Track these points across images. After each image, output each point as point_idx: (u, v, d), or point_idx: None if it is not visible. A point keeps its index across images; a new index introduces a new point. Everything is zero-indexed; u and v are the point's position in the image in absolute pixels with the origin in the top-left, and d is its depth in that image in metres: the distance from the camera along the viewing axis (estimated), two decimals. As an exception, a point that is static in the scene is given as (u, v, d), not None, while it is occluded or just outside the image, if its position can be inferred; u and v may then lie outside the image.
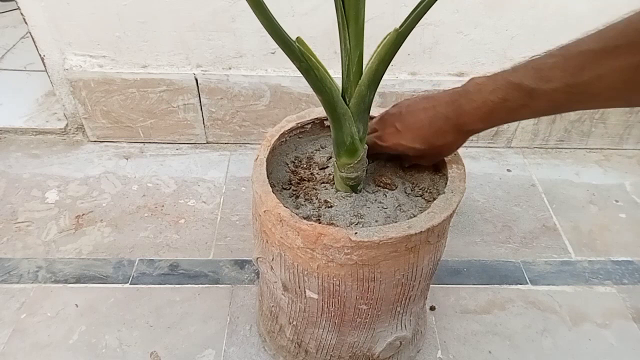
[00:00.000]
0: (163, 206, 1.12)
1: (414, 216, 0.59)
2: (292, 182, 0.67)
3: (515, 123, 1.27)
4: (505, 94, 0.48)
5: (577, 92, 0.43)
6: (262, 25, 0.46)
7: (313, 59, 0.51)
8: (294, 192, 0.65)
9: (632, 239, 1.08)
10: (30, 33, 1.11)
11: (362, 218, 0.61)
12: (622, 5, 1.12)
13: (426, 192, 0.65)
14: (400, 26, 0.49)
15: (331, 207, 0.63)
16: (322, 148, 0.73)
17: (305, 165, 0.70)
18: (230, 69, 1.18)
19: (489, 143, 1.32)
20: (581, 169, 1.27)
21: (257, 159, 0.64)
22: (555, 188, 1.21)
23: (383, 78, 0.54)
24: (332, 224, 0.59)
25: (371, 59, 0.52)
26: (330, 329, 0.68)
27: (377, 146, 0.62)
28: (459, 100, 0.55)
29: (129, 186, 1.17)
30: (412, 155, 0.61)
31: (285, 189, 0.66)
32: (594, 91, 0.42)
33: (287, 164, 0.70)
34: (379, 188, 0.66)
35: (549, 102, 0.45)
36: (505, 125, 1.28)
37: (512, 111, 0.49)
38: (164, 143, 1.30)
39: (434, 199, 0.60)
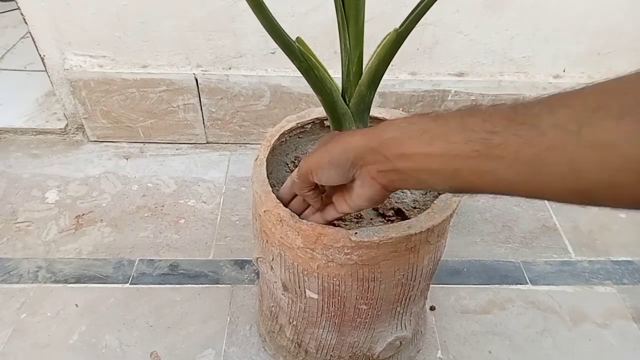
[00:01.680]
0: (163, 206, 1.12)
1: (415, 216, 0.59)
2: None
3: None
4: (445, 112, 0.39)
5: (520, 121, 0.33)
6: (262, 25, 0.46)
7: (313, 59, 0.51)
8: None
9: (632, 239, 1.08)
10: (30, 33, 1.11)
11: (361, 218, 0.61)
12: (622, 5, 1.13)
13: (425, 192, 0.65)
14: (400, 26, 0.49)
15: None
16: (322, 148, 0.73)
17: None
18: (230, 69, 1.18)
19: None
20: (581, 169, 1.27)
21: (257, 159, 0.64)
22: (555, 188, 1.20)
23: (383, 78, 0.54)
24: (333, 224, 0.59)
25: (371, 59, 0.52)
26: (330, 329, 0.68)
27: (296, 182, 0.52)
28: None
29: (129, 186, 1.17)
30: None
31: None
32: (539, 124, 0.33)
33: (287, 164, 0.70)
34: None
35: (483, 123, 0.34)
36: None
37: (441, 121, 0.37)
38: (164, 143, 1.30)
39: (435, 198, 0.60)
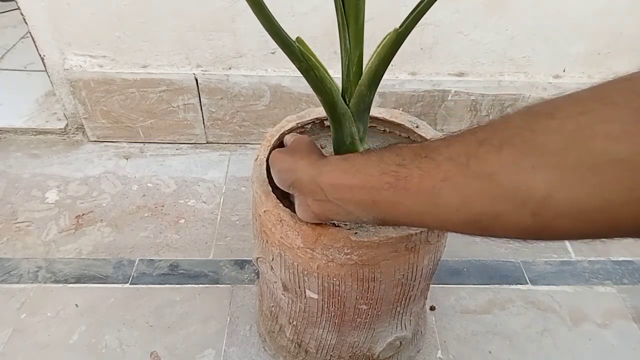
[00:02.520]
0: (163, 206, 1.12)
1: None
2: None
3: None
4: (365, 152, 0.43)
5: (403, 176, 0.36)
6: (262, 25, 0.46)
7: (313, 59, 0.50)
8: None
9: (632, 239, 1.08)
10: (30, 33, 1.11)
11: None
12: (622, 5, 1.13)
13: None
14: (400, 26, 0.49)
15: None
16: (322, 148, 0.73)
17: None
18: (230, 69, 1.18)
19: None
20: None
21: (257, 159, 0.64)
22: (555, 188, 1.21)
23: (383, 78, 0.54)
24: (333, 224, 0.59)
25: (371, 59, 0.52)
26: (330, 329, 0.68)
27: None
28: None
29: (129, 186, 1.17)
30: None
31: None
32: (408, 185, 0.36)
33: None
34: None
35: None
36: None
37: (351, 166, 0.41)
38: (164, 143, 1.30)
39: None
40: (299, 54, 0.49)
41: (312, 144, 0.53)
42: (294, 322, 0.71)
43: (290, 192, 0.50)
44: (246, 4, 0.44)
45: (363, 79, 0.54)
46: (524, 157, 0.28)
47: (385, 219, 0.39)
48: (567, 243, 1.06)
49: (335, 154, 0.60)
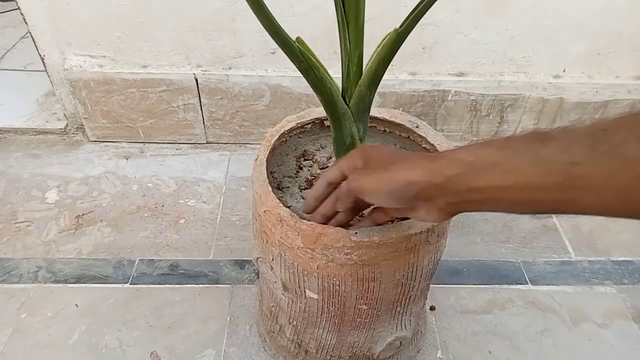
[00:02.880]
0: (163, 206, 1.12)
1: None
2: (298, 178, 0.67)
3: (515, 122, 1.28)
4: (511, 136, 0.38)
5: (603, 150, 0.32)
6: (262, 25, 0.46)
7: (313, 59, 0.51)
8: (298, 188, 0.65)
9: (632, 239, 1.08)
10: (30, 33, 1.11)
11: (362, 218, 0.61)
12: (622, 5, 1.13)
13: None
14: (400, 26, 0.49)
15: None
16: (322, 148, 0.73)
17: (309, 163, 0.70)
18: (230, 69, 1.18)
19: (489, 143, 1.32)
20: (581, 169, 1.27)
21: (257, 159, 0.64)
22: (555, 188, 1.21)
23: (383, 78, 0.54)
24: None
25: (371, 59, 0.52)
26: (330, 329, 0.68)
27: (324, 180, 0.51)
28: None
29: (129, 186, 1.17)
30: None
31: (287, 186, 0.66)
32: (626, 154, 0.31)
33: (298, 160, 0.70)
34: None
35: (562, 154, 0.33)
36: (505, 125, 1.28)
37: (512, 153, 0.36)
38: (164, 143, 1.30)
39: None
40: (299, 54, 0.49)
41: (393, 150, 0.48)
42: (294, 322, 0.71)
43: (409, 206, 0.43)
44: (246, 4, 0.44)
45: (363, 79, 0.54)
46: None
47: (547, 213, 0.36)
48: (567, 242, 1.06)
49: (335, 154, 0.60)
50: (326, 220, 0.54)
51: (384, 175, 0.43)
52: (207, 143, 1.31)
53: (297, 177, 0.68)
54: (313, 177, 0.67)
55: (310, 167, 0.70)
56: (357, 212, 0.55)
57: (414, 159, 0.43)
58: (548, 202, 0.34)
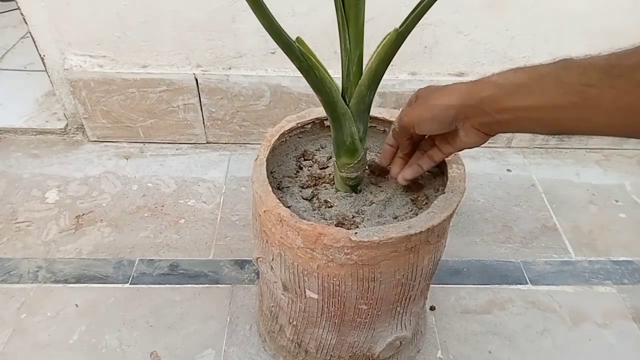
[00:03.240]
0: (163, 206, 1.12)
1: (415, 216, 0.59)
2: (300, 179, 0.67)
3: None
4: (540, 64, 0.41)
5: (616, 73, 0.36)
6: (262, 25, 0.46)
7: (313, 59, 0.50)
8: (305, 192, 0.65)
9: (632, 239, 1.08)
10: (30, 33, 1.11)
11: (362, 218, 0.61)
12: (623, 5, 1.13)
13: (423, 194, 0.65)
14: (400, 26, 0.49)
15: (331, 207, 0.63)
16: (322, 148, 0.73)
17: (309, 163, 0.70)
18: (230, 69, 1.18)
19: (489, 143, 1.31)
20: (581, 169, 1.27)
21: (257, 159, 0.64)
22: (555, 188, 1.21)
23: (383, 78, 0.54)
24: (333, 224, 0.59)
25: (371, 59, 0.52)
26: (330, 329, 0.68)
27: (398, 125, 0.55)
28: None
29: (129, 186, 1.17)
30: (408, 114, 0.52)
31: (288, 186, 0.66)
32: (637, 78, 0.35)
33: (298, 159, 0.70)
34: (381, 186, 0.66)
35: (579, 77, 0.37)
36: (505, 125, 1.28)
37: (537, 76, 0.40)
38: (164, 143, 1.30)
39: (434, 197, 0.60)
40: (299, 54, 0.49)
41: (442, 85, 0.52)
42: (294, 322, 0.71)
43: (454, 127, 0.48)
44: (246, 4, 0.44)
45: (363, 79, 0.54)
46: None
47: (564, 132, 0.41)
48: (567, 242, 1.07)
49: (335, 154, 0.60)
50: (402, 165, 0.59)
51: (427, 104, 0.49)
52: (207, 143, 1.31)
53: (297, 177, 0.68)
54: (313, 177, 0.67)
55: (310, 167, 0.70)
56: (414, 148, 0.58)
57: (454, 86, 0.47)
58: (566, 121, 0.39)
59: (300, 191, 0.66)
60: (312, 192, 0.65)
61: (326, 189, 0.66)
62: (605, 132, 0.38)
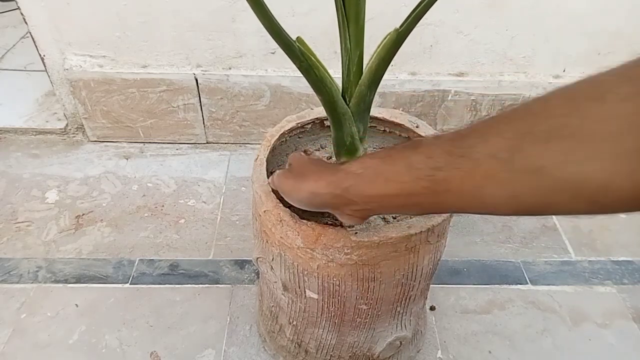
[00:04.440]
0: (163, 206, 1.12)
1: (415, 216, 0.59)
2: None
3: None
4: (396, 145, 0.40)
5: (459, 153, 0.33)
6: (262, 25, 0.46)
7: (313, 58, 0.50)
8: None
9: (632, 239, 1.08)
10: (30, 33, 1.11)
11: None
12: (622, 5, 1.13)
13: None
14: (400, 26, 0.49)
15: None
16: (322, 148, 0.73)
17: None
18: (230, 69, 1.18)
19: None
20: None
21: (257, 159, 0.64)
22: (555, 188, 1.21)
23: (383, 78, 0.54)
24: (333, 224, 0.59)
25: (371, 58, 0.52)
26: (330, 329, 0.68)
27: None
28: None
29: (129, 186, 1.17)
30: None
31: None
32: (474, 156, 0.32)
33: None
34: None
35: (427, 160, 0.35)
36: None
37: (390, 160, 0.39)
38: (164, 143, 1.30)
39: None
40: (299, 54, 0.49)
41: (313, 160, 0.52)
42: (294, 322, 0.71)
43: (320, 211, 0.48)
44: (246, 4, 0.44)
45: (363, 79, 0.54)
46: (576, 148, 0.26)
47: (431, 212, 0.41)
48: (567, 242, 1.07)
49: (335, 154, 0.60)
50: None
51: (296, 184, 0.48)
52: (207, 143, 1.31)
53: None
54: None
55: None
56: None
57: (321, 173, 0.46)
58: (428, 205, 0.37)
59: None
60: None
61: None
62: (467, 212, 0.35)
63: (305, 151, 0.72)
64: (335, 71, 0.54)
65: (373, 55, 0.52)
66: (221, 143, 1.31)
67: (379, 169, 0.40)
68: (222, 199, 1.15)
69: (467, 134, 0.33)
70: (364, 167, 0.41)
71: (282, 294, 0.67)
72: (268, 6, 0.45)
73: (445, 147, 0.34)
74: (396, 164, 0.38)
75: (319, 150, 0.73)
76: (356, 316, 0.64)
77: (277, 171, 0.53)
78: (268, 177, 0.61)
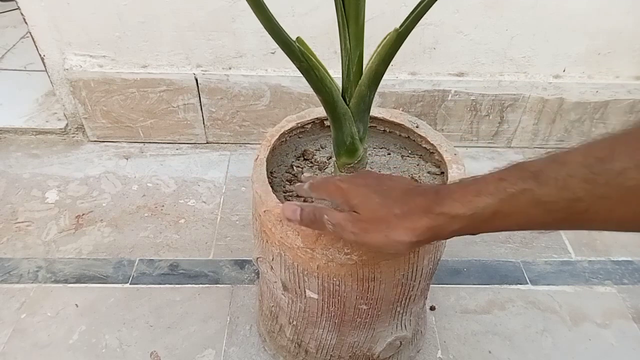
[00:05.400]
0: (163, 206, 1.12)
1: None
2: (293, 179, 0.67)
3: (515, 122, 1.28)
4: (503, 174, 0.37)
5: (603, 182, 0.30)
6: (262, 25, 0.46)
7: (313, 58, 0.50)
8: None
9: (632, 239, 1.08)
10: (30, 33, 1.11)
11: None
12: (622, 5, 1.13)
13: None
14: (400, 26, 0.49)
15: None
16: (322, 148, 0.73)
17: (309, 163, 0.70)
18: (230, 69, 1.18)
19: (489, 143, 1.32)
20: (581, 169, 1.27)
21: (257, 159, 0.64)
22: (555, 188, 1.20)
23: (383, 78, 0.54)
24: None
25: (371, 58, 0.52)
26: (330, 329, 0.68)
27: (329, 186, 0.49)
28: (449, 184, 0.43)
29: (129, 186, 1.17)
30: (349, 214, 0.44)
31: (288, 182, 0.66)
32: (628, 184, 0.30)
33: (293, 161, 0.70)
34: None
35: (561, 192, 0.32)
36: (505, 125, 1.28)
37: (508, 197, 0.35)
38: (164, 143, 1.30)
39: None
40: (299, 54, 0.49)
41: (380, 193, 0.44)
42: (294, 322, 0.71)
43: (419, 219, 0.41)
44: (246, 4, 0.44)
45: (363, 79, 0.54)
46: None
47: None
48: (567, 242, 1.06)
49: (335, 154, 0.60)
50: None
51: (387, 233, 0.41)
52: (207, 143, 1.31)
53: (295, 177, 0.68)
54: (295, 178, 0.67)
55: (302, 168, 0.70)
56: None
57: (413, 215, 0.40)
58: (555, 227, 0.35)
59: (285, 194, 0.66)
60: None
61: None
62: (609, 230, 0.34)
63: (303, 152, 0.72)
64: (335, 71, 0.54)
65: (373, 55, 0.52)
66: (221, 143, 1.31)
67: (493, 208, 0.36)
68: (222, 199, 1.15)
69: (607, 157, 0.30)
70: (472, 208, 0.37)
71: (282, 294, 0.67)
72: (268, 6, 0.45)
73: (582, 174, 0.31)
74: (516, 199, 0.35)
75: (319, 150, 0.73)
76: (356, 316, 0.64)
77: (334, 214, 0.45)
78: (268, 177, 0.61)
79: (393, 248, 0.42)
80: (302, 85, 1.17)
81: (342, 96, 0.55)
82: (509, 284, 0.97)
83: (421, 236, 0.40)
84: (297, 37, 0.49)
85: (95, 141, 1.30)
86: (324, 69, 0.52)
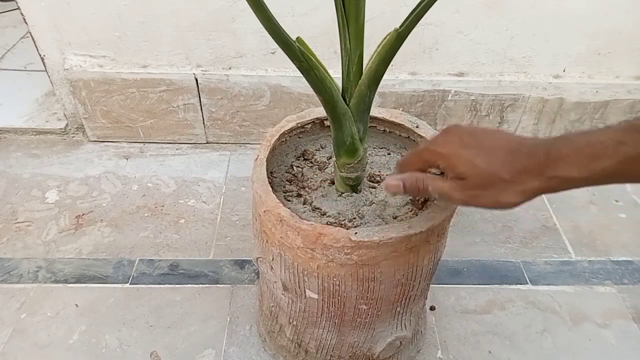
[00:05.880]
0: (163, 206, 1.12)
1: (415, 216, 0.59)
2: (294, 180, 0.67)
3: (515, 122, 1.28)
4: (622, 136, 0.36)
5: None
6: (262, 25, 0.46)
7: (313, 59, 0.50)
8: (294, 192, 0.65)
9: (632, 239, 1.08)
10: (30, 33, 1.11)
11: (362, 218, 0.61)
12: (622, 5, 1.13)
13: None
14: (401, 26, 0.49)
15: (331, 207, 0.63)
16: (322, 148, 0.73)
17: (308, 164, 0.70)
18: (230, 69, 1.18)
19: (489, 143, 1.32)
20: (581, 169, 1.27)
21: (257, 159, 0.64)
22: (555, 188, 1.20)
23: (383, 78, 0.54)
24: (333, 224, 0.59)
25: (371, 58, 0.52)
26: (330, 329, 0.68)
27: (424, 154, 0.48)
28: (554, 141, 0.41)
29: (129, 186, 1.17)
30: (454, 182, 0.44)
31: (287, 184, 0.66)
32: None
33: (293, 162, 0.70)
34: (375, 184, 0.66)
35: None
36: (505, 125, 1.28)
37: (627, 160, 0.36)
38: (164, 143, 1.30)
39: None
40: (299, 54, 0.49)
41: (478, 147, 0.43)
42: (294, 322, 0.71)
43: (531, 184, 0.41)
44: (246, 4, 0.44)
45: (363, 79, 0.54)
46: None
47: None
48: (567, 242, 1.07)
49: (335, 154, 0.60)
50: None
51: (497, 198, 0.42)
52: (207, 143, 1.31)
53: (297, 177, 0.68)
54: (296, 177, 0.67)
55: (302, 168, 0.70)
56: None
57: (523, 179, 0.41)
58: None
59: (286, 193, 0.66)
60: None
61: (325, 189, 0.66)
62: None
63: (303, 152, 0.72)
64: (335, 71, 0.54)
65: (373, 55, 0.52)
66: (221, 143, 1.31)
67: (612, 170, 0.37)
68: (222, 199, 1.15)
69: None
70: (589, 171, 0.38)
71: (282, 294, 0.67)
72: (268, 6, 0.45)
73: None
74: (638, 162, 0.36)
75: (319, 150, 0.73)
76: (356, 316, 0.64)
77: (437, 183, 0.46)
78: (268, 177, 0.61)
79: (501, 207, 0.43)
80: (302, 85, 1.17)
81: (342, 96, 0.55)
82: (509, 284, 0.97)
83: (531, 197, 0.41)
84: (297, 37, 0.49)
85: (95, 141, 1.30)
86: (324, 69, 0.52)
